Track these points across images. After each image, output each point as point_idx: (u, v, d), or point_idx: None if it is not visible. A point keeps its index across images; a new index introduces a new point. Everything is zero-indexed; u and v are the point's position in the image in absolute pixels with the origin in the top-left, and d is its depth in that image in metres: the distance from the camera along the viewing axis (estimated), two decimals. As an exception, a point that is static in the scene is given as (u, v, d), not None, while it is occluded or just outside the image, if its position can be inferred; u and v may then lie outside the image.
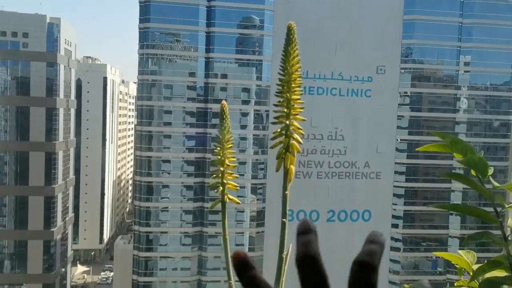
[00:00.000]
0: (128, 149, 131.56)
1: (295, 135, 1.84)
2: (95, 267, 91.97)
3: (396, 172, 54.46)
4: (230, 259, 2.04)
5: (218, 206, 2.37)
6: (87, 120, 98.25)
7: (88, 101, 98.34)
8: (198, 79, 51.76)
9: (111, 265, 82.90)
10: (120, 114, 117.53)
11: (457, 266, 2.09)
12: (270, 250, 49.53)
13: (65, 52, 62.16)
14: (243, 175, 49.29)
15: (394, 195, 54.52)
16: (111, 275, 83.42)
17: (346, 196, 53.36)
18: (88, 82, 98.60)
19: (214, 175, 1.94)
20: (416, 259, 55.81)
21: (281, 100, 1.85)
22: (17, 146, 57.69)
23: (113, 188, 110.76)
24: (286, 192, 1.79)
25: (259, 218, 52.26)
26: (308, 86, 51.01)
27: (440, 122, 55.15)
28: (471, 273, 2.01)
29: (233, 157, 1.93)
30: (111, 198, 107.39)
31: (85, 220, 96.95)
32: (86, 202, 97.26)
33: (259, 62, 52.26)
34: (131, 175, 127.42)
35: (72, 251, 70.08)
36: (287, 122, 1.83)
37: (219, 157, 1.93)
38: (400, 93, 54.45)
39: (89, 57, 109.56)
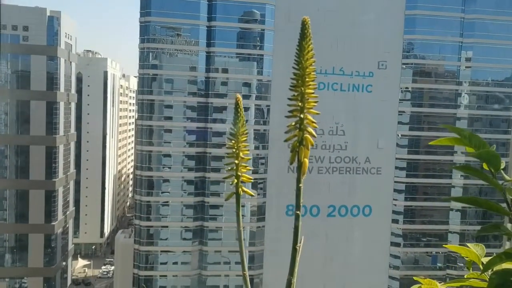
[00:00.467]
0: (129, 143, 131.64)
1: (309, 129, 1.87)
2: (96, 261, 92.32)
3: (396, 168, 54.54)
4: (244, 249, 2.08)
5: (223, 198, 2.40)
6: (88, 114, 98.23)
7: (88, 95, 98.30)
8: (199, 74, 51.71)
9: (112, 259, 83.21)
10: (120, 108, 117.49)
11: (466, 259, 2.13)
12: (271, 245, 49.72)
13: (66, 46, 62.07)
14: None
15: (395, 190, 54.63)
16: (111, 269, 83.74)
17: (346, 191, 53.46)
18: (88, 76, 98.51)
19: (229, 168, 1.97)
20: (416, 255, 55.99)
21: (296, 94, 1.88)
22: (17, 140, 57.75)
23: (114, 182, 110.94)
24: (300, 185, 1.83)
25: (259, 213, 52.40)
26: (309, 81, 50.93)
27: (441, 117, 55.15)
28: (480, 266, 2.04)
29: (247, 150, 1.97)
30: (111, 192, 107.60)
31: (86, 214, 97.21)
32: (86, 196, 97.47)
33: (260, 56, 52.19)
34: (131, 170, 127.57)
35: (73, 245, 70.33)
36: (301, 116, 1.86)
37: (234, 150, 1.96)
38: (401, 88, 54.42)
39: (90, 51, 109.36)
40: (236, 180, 2.01)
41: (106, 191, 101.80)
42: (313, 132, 1.88)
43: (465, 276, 2.09)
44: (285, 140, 1.93)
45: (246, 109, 52.04)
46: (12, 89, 58.35)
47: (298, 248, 1.87)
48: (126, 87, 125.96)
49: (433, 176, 54.64)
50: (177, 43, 51.46)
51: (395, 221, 54.72)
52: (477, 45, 54.27)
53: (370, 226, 53.65)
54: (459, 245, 2.40)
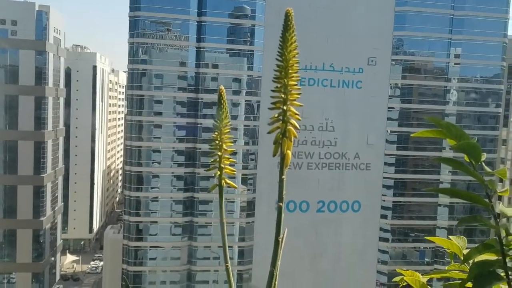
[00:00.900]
0: (118, 138, 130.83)
1: (292, 121, 1.86)
2: (84, 256, 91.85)
3: (385, 164, 54.89)
4: (227, 243, 2.07)
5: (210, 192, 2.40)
6: (77, 109, 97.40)
7: (77, 90, 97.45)
8: (189, 69, 51.48)
9: (101, 255, 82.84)
10: (110, 104, 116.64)
11: (448, 251, 2.14)
12: (261, 241, 49.83)
13: (54, 40, 61.41)
14: (233, 165, 49.29)
15: (384, 186, 55.00)
16: (100, 265, 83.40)
17: (336, 187, 53.72)
18: (77, 71, 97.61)
19: (212, 160, 1.96)
20: (404, 250, 56.52)
21: (279, 85, 1.87)
22: (5, 135, 57.11)
23: (103, 177, 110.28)
24: (283, 177, 1.82)
25: (249, 208, 52.47)
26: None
27: (430, 114, 55.51)
28: (462, 258, 2.06)
29: (231, 142, 1.96)
30: (100, 187, 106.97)
31: (75, 210, 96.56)
32: (75, 192, 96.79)
33: (251, 52, 52.08)
34: (121, 165, 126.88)
35: (62, 240, 69.86)
36: (285, 107, 1.85)
37: (217, 142, 1.95)
38: (390, 84, 54.70)
39: (79, 45, 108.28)
40: (219, 172, 2.00)
41: (95, 186, 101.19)
42: (296, 124, 1.87)
43: (446, 268, 2.11)
44: (269, 132, 1.92)
45: (236, 104, 51.98)
46: (0, 84, 57.62)
47: (280, 240, 1.87)
48: (116, 82, 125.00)
49: (421, 172, 55.12)
50: (167, 38, 51.15)
51: (383, 216, 55.15)
52: (466, 41, 54.69)
53: (359, 221, 54.01)
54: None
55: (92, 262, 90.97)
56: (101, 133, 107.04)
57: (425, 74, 56.10)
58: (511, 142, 67.20)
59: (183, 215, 51.73)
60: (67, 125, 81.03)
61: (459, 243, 2.08)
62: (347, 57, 52.55)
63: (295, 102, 1.90)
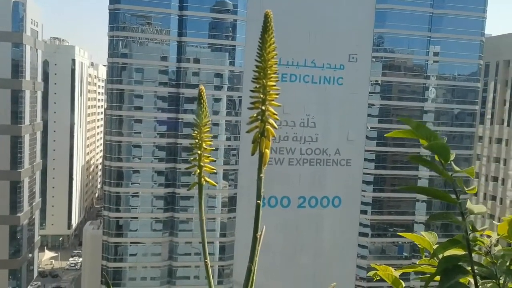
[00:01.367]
0: (98, 133, 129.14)
1: (270, 120, 1.91)
2: (63, 252, 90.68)
3: (366, 160, 55.54)
4: (206, 240, 2.12)
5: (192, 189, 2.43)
6: (55, 103, 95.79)
7: (55, 84, 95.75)
8: (170, 63, 51.07)
9: (80, 251, 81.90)
10: (89, 98, 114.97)
11: (419, 246, 2.23)
12: (242, 236, 49.95)
13: (31, 33, 60.12)
14: (215, 161, 49.08)
15: (364, 182, 55.68)
16: (79, 261, 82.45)
17: (316, 183, 54.16)
18: (55, 64, 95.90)
19: (192, 158, 2.00)
20: (383, 244, 57.39)
21: (258, 86, 1.91)
22: (-20, 129, 55.78)
23: (82, 173, 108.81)
24: (261, 175, 1.87)
25: (230, 204, 52.50)
26: (281, 73, 51.12)
27: (409, 110, 56.38)
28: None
29: (210, 141, 2.00)
30: (79, 183, 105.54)
31: (53, 205, 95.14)
32: (53, 187, 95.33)
33: (232, 47, 51.94)
34: (100, 160, 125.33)
35: (39, 236, 68.77)
36: (263, 107, 1.90)
37: (197, 140, 1.98)
38: (371, 81, 55.28)
39: (57, 38, 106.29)
40: (198, 170, 2.04)
41: (74, 181, 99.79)
42: (274, 124, 1.92)
43: (417, 262, 2.20)
44: (247, 131, 1.97)
45: (218, 100, 51.82)
46: (-26, 76, 56.20)
47: (258, 236, 1.92)
48: (95, 76, 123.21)
49: (400, 168, 55.94)
50: (148, 32, 50.61)
51: (363, 212, 55.87)
52: (444, 40, 55.59)
53: (340, 217, 54.61)
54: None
55: (71, 259, 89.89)
56: (80, 127, 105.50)
57: (405, 72, 56.88)
58: (487, 139, 68.73)
59: (164, 211, 51.46)
60: (44, 120, 79.63)
61: (430, 239, 2.17)
62: (329, 54, 52.90)
63: (273, 102, 1.95)
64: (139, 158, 51.41)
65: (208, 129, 2.02)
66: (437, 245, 2.07)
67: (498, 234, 1.94)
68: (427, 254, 2.26)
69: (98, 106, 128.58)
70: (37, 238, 65.33)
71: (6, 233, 56.37)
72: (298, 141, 53.45)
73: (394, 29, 54.69)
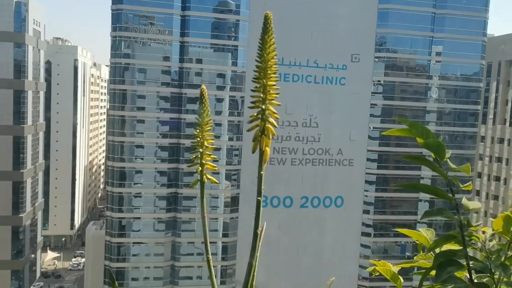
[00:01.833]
0: (100, 133, 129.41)
1: (271, 119, 1.96)
2: (66, 253, 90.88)
3: (368, 159, 55.52)
4: (208, 236, 2.17)
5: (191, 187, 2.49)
6: (57, 103, 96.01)
7: (58, 84, 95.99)
8: (173, 64, 51.15)
9: (83, 251, 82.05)
10: (91, 98, 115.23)
11: (417, 242, 2.27)
12: (244, 236, 50.01)
13: (34, 33, 60.29)
14: (217, 161, 49.32)
15: (366, 181, 55.66)
16: (82, 261, 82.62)
17: (319, 183, 54.17)
18: (58, 64, 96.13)
19: (194, 156, 2.05)
20: (385, 244, 57.36)
21: (258, 86, 1.96)
22: (-16, 130, 55.96)
23: (85, 173, 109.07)
24: (262, 173, 1.92)
25: (233, 204, 52.54)
26: (283, 73, 51.16)
27: (412, 110, 56.35)
28: (430, 248, 2.18)
29: (212, 140, 2.05)
30: (82, 183, 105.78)
31: (56, 206, 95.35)
32: (56, 188, 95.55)
33: (235, 47, 51.99)
34: (103, 160, 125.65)
35: (42, 237, 68.96)
36: (263, 106, 1.95)
37: (198, 139, 2.04)
38: (373, 81, 55.26)
39: (59, 38, 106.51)
40: (200, 168, 2.09)
41: (77, 182, 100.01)
42: (274, 123, 1.97)
43: (414, 258, 2.24)
44: (248, 130, 2.02)
45: (220, 100, 51.89)
46: (-23, 77, 56.40)
47: (259, 233, 1.97)
48: (98, 76, 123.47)
49: (403, 168, 55.90)
50: (150, 32, 50.72)
51: (366, 211, 55.84)
52: (447, 40, 55.54)
53: (342, 216, 54.60)
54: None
55: (73, 259, 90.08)
56: (83, 128, 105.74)
57: (407, 72, 56.85)
58: (489, 139, 68.61)
59: (167, 211, 51.55)
60: (47, 120, 79.87)
61: (427, 235, 2.21)
62: (331, 54, 52.90)
63: (273, 101, 2.00)
64: (142, 159, 51.51)
65: (209, 128, 2.08)
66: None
67: (493, 230, 1.99)
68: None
69: (101, 107, 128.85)
70: (39, 238, 65.51)
71: (9, 234, 56.53)
72: (300, 141, 53.47)
73: (396, 29, 54.67)
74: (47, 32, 67.66)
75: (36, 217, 62.92)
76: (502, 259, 1.86)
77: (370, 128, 55.44)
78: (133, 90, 50.84)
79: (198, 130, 2.06)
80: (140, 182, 51.72)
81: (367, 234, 56.09)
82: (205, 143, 2.07)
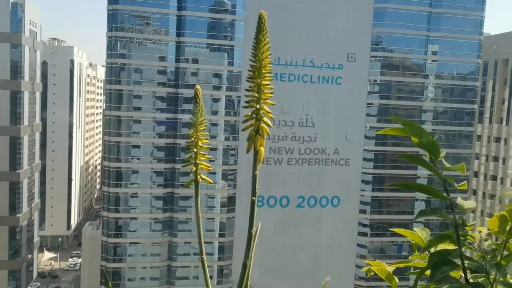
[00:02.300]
0: (96, 134, 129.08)
1: (265, 119, 1.95)
2: (62, 253, 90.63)
3: (364, 159, 55.58)
4: (202, 236, 2.16)
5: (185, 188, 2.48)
6: (54, 104, 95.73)
7: (54, 84, 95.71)
8: (169, 64, 51.08)
9: (79, 252, 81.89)
10: (87, 98, 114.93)
11: (412, 241, 2.27)
12: (241, 236, 49.97)
13: (30, 33, 60.07)
14: (213, 161, 49.27)
15: (362, 181, 55.72)
16: (79, 262, 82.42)
17: (315, 182, 54.20)
18: (54, 65, 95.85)
19: (188, 156, 2.04)
20: (382, 244, 57.45)
21: (252, 85, 1.95)
22: (-21, 130, 55.72)
23: (81, 173, 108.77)
24: (256, 172, 1.91)
25: (229, 204, 52.52)
26: (279, 73, 51.17)
27: (408, 110, 56.46)
28: (425, 248, 2.18)
29: (206, 139, 2.04)
30: (78, 183, 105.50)
31: (52, 206, 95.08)
32: (52, 188, 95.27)
33: (231, 47, 51.96)
34: (99, 161, 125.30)
35: (39, 237, 68.72)
36: (258, 106, 1.94)
37: (193, 139, 2.03)
38: (369, 81, 55.33)
39: (55, 39, 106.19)
40: (194, 168, 2.08)
41: (73, 182, 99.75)
42: (269, 122, 1.96)
43: (409, 258, 2.24)
44: (243, 130, 2.01)
45: (217, 100, 51.84)
46: (-27, 77, 56.14)
47: (254, 233, 1.96)
48: (94, 76, 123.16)
49: (399, 167, 56.00)
50: (146, 32, 50.62)
51: (362, 211, 55.91)
52: (443, 39, 55.66)
53: (339, 216, 54.65)
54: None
55: (70, 259, 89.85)
56: (79, 128, 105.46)
57: (403, 71, 56.94)
58: (486, 138, 68.83)
59: (163, 211, 51.48)
60: (43, 120, 79.59)
61: (422, 235, 2.21)
62: (327, 53, 52.93)
63: (268, 101, 1.99)
64: (138, 159, 51.42)
65: (204, 128, 2.06)
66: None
67: (489, 229, 1.98)
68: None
69: (97, 107, 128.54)
70: (36, 239, 65.28)
71: (6, 234, 56.33)
72: (297, 140, 53.48)
73: (392, 28, 54.76)
74: (43, 32, 67.45)
75: (32, 218, 62.72)
76: (498, 258, 1.86)
77: (366, 127, 55.52)
78: (129, 90, 50.74)
79: (192, 130, 2.04)
80: (137, 182, 51.62)
81: (364, 234, 56.16)
82: (199, 143, 2.06)
